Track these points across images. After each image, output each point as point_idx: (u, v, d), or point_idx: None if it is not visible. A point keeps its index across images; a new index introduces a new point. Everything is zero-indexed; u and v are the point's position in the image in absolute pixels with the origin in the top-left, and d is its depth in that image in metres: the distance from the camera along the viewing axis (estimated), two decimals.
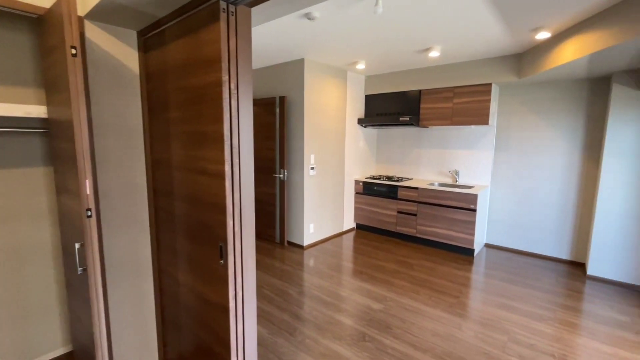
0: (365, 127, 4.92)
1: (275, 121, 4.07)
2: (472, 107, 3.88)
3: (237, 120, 1.27)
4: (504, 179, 4.08)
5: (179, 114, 1.45)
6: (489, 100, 3.77)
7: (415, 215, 4.26)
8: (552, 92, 3.68)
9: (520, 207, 3.98)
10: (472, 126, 4.11)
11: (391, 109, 4.61)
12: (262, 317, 2.54)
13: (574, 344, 2.23)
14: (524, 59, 3.42)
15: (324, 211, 4.35)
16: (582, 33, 2.52)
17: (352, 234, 4.73)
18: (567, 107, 3.60)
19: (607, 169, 3.18)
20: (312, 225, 4.17)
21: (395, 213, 4.45)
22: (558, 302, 2.81)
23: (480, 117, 3.83)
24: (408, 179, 4.70)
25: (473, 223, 3.76)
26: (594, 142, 3.48)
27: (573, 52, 2.62)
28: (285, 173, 4.04)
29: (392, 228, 4.51)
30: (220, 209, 1.30)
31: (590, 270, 3.33)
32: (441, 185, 4.33)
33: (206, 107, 1.29)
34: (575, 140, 3.58)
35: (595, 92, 3.44)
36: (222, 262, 1.33)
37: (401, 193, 4.35)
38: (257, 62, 3.99)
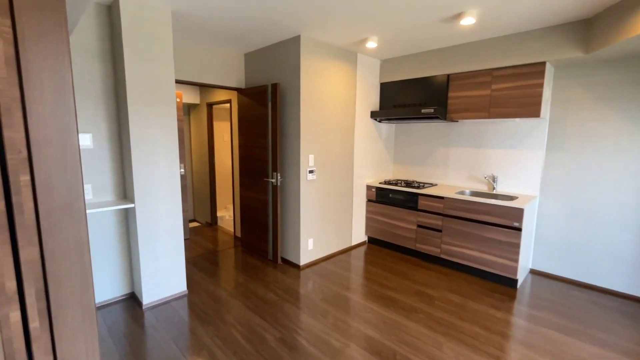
0: (380, 121, 4.11)
1: (268, 114, 3.37)
2: (518, 95, 2.98)
3: (18, 88, 0.57)
4: (558, 187, 3.14)
5: None
6: (541, 85, 2.85)
7: (439, 231, 3.42)
8: (633, 72, 2.71)
9: (579, 225, 3.04)
10: (517, 119, 3.20)
11: (412, 99, 3.78)
12: None
13: None
14: (594, 25, 2.49)
15: (327, 223, 3.61)
16: None
17: (362, 250, 3.95)
18: None
19: None
20: (311, 241, 3.45)
21: (414, 227, 3.63)
22: None
23: (529, 107, 2.93)
24: (431, 184, 3.85)
25: (517, 246, 2.88)
26: None
27: None
28: (279, 177, 3.34)
29: (410, 245, 3.69)
30: None
31: None
32: (474, 194, 3.45)
33: None
34: None
35: None
36: None
37: (422, 203, 3.52)
38: (246, 44, 3.30)
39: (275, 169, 3.35)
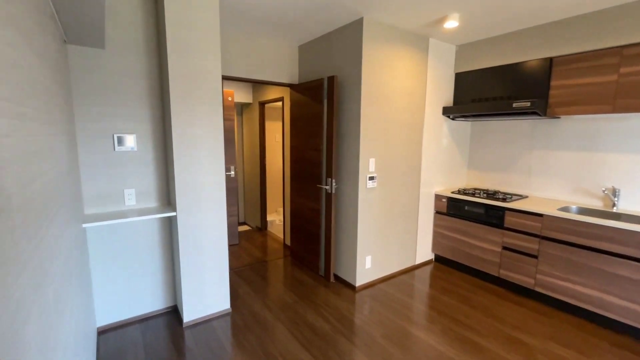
0: (453, 119, 3.47)
1: (323, 112, 2.97)
2: None
3: None
4: None
5: None
6: None
7: (534, 257, 2.69)
8: None
9: None
10: None
11: (497, 91, 3.08)
12: None
13: None
14: None
15: (387, 238, 3.09)
16: None
17: (427, 270, 3.36)
18: None
19: None
20: (369, 258, 2.97)
21: (498, 249, 2.94)
22: None
23: None
24: (520, 196, 3.11)
25: None
26: None
27: None
28: (333, 184, 2.92)
29: (491, 270, 3.01)
30: None
31: None
32: (584, 211, 2.67)
33: None
34: None
35: None
36: None
37: (510, 219, 2.82)
38: (300, 33, 2.94)
39: (329, 175, 2.94)
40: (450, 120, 3.48)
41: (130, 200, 2.28)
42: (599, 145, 2.73)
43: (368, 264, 2.97)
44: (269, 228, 4.78)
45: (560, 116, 2.78)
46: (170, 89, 2.08)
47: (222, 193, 2.38)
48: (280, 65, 3.29)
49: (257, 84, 4.57)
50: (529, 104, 2.65)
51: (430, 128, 3.29)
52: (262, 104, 4.45)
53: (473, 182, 3.70)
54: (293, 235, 3.62)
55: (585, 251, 2.39)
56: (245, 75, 3.06)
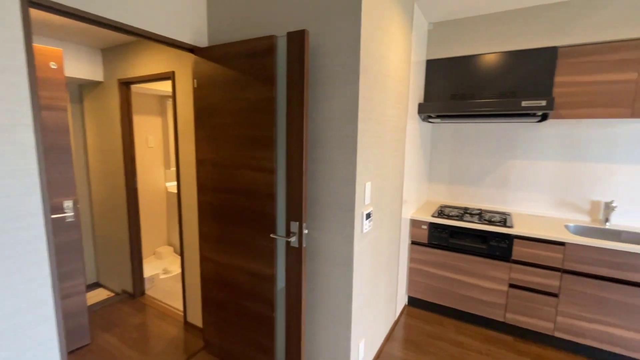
0: (423, 119, 2.68)
1: (274, 99, 1.61)
2: None
3: None
4: None
5: None
6: None
7: (554, 295, 2.15)
8: None
9: None
10: None
11: (483, 86, 2.45)
12: None
13: None
14: None
15: (377, 302, 2.01)
16: None
17: (407, 322, 2.46)
18: None
19: None
20: (362, 345, 1.81)
21: (504, 287, 2.29)
22: None
23: None
24: (502, 214, 2.58)
25: None
26: None
27: None
28: (304, 230, 1.60)
29: (495, 315, 2.35)
30: None
31: None
32: (583, 229, 2.29)
33: None
34: None
35: None
36: None
37: (521, 250, 2.21)
38: None
39: (294, 215, 1.60)
40: (420, 121, 2.68)
41: None
42: (594, 153, 2.39)
43: (361, 354, 1.81)
44: (150, 291, 2.93)
45: (566, 118, 2.33)
46: None
47: None
48: (172, 6, 1.70)
49: (112, 49, 2.65)
50: (544, 102, 2.05)
51: (410, 131, 2.39)
52: (127, 84, 2.59)
53: (436, 197, 3.04)
54: (209, 314, 2.07)
55: (624, 286, 1.95)
56: (91, 10, 1.37)
